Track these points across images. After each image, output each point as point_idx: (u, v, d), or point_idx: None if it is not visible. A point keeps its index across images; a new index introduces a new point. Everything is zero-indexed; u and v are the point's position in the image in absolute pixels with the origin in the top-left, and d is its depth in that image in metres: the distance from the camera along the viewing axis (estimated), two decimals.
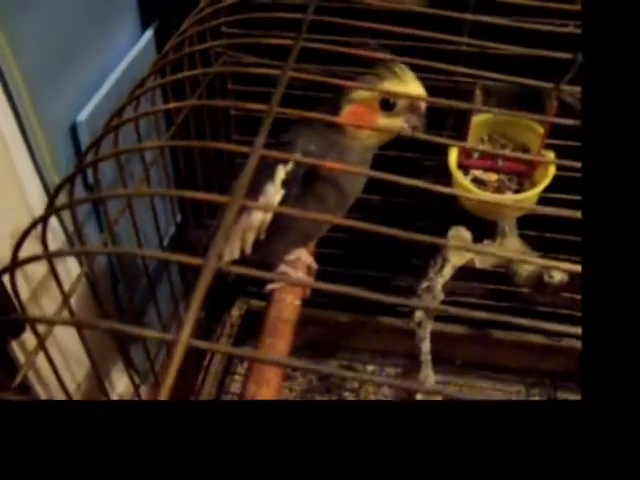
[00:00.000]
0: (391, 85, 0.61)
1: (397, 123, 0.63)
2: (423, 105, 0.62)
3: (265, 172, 0.65)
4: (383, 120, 0.63)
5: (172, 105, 0.52)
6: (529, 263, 0.83)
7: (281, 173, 0.65)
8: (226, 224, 0.29)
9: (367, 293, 0.29)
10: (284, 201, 0.66)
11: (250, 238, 0.67)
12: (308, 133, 0.65)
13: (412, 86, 0.61)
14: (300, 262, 0.75)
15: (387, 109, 0.62)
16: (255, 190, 0.65)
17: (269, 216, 0.67)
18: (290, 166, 0.64)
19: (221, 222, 0.30)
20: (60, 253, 0.50)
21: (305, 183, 0.65)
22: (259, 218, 0.67)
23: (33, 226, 0.38)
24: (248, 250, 0.68)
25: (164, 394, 0.23)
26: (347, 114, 0.63)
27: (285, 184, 0.66)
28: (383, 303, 0.28)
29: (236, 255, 0.68)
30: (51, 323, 0.46)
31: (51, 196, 0.42)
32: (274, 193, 0.65)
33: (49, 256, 0.41)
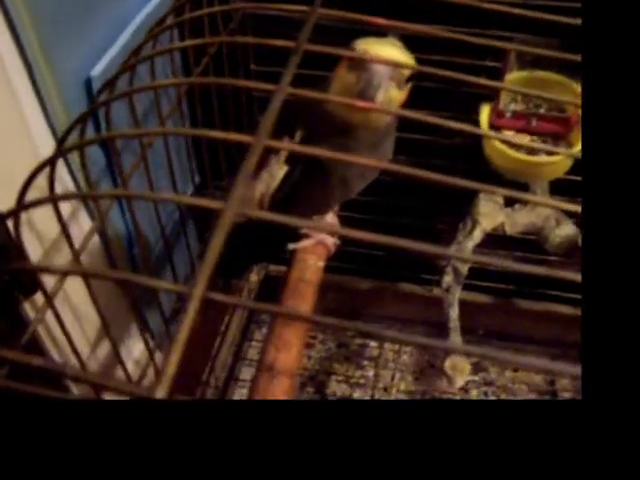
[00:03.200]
0: (364, 44, 0.57)
1: (350, 77, 0.57)
2: (377, 67, 0.55)
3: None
4: (343, 72, 0.58)
5: (190, 42, 0.48)
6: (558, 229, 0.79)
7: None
8: (248, 165, 0.26)
9: (399, 240, 0.26)
10: (287, 178, 0.64)
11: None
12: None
13: (386, 49, 0.56)
14: (324, 223, 0.72)
15: (351, 63, 0.57)
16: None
17: (270, 189, 0.65)
18: (297, 139, 0.62)
19: (243, 164, 0.27)
20: (66, 196, 0.48)
21: (309, 162, 0.62)
22: (260, 189, 0.65)
23: (41, 168, 0.36)
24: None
25: (177, 350, 0.20)
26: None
27: (288, 160, 0.63)
28: (412, 255, 0.25)
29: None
30: (53, 272, 0.44)
31: (61, 137, 0.39)
32: (277, 168, 0.63)
33: (55, 199, 0.38)
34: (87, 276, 0.45)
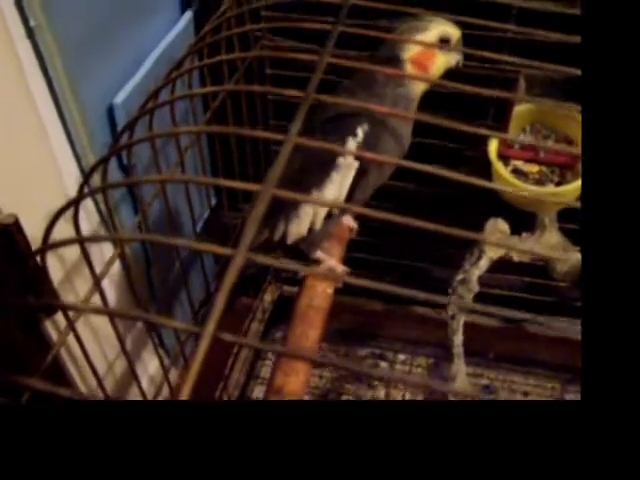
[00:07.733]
0: (440, 25, 0.65)
1: (453, 57, 0.67)
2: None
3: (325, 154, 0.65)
4: (442, 57, 0.67)
5: (209, 89, 0.51)
6: (565, 258, 0.80)
7: (352, 144, 0.64)
8: (256, 213, 0.29)
9: (398, 289, 0.28)
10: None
11: (322, 214, 0.67)
12: (363, 95, 0.65)
13: (449, 24, 0.66)
14: (329, 267, 0.73)
15: (444, 47, 0.66)
16: (323, 170, 0.65)
17: (343, 194, 0.66)
18: (361, 136, 0.64)
19: (252, 211, 0.29)
20: (91, 239, 0.50)
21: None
22: (333, 193, 0.66)
23: (65, 209, 0.38)
24: (318, 225, 0.67)
25: (188, 385, 0.23)
26: (413, 61, 0.65)
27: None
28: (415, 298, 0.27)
29: (303, 232, 0.67)
30: (80, 311, 0.46)
31: (83, 179, 0.41)
32: (349, 166, 0.65)
33: (81, 241, 0.40)
34: (113, 316, 0.47)
